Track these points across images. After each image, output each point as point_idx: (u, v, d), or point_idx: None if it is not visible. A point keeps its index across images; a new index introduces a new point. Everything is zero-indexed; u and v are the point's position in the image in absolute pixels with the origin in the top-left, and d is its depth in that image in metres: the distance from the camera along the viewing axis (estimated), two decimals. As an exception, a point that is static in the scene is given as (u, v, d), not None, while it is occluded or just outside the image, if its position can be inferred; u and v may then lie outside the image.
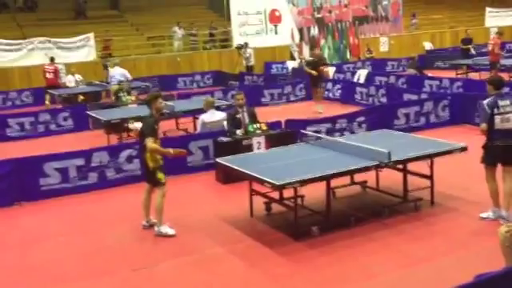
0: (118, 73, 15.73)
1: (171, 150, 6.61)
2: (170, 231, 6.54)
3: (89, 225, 7.20)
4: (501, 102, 6.22)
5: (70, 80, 18.37)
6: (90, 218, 7.50)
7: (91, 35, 21.27)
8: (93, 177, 8.63)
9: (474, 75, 17.50)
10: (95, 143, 10.04)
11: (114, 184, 8.71)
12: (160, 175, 6.53)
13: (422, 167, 6.96)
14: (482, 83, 14.46)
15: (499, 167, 6.38)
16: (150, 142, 6.36)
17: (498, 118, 6.18)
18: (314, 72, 14.08)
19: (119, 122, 11.35)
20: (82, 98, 16.06)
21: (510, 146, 6.22)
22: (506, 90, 12.60)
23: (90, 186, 8.59)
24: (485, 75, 17.26)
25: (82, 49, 21.11)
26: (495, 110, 6.19)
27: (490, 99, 6.29)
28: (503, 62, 16.63)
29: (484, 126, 6.27)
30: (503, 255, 4.56)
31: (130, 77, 15.63)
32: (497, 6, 29.42)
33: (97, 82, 17.72)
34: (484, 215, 6.41)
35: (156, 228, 6.59)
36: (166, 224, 6.59)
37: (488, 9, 28.53)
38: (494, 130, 6.22)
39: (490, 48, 16.61)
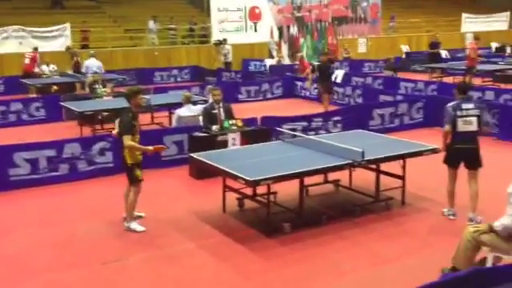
0: (93, 64, 15.56)
1: (150, 147, 6.54)
2: (139, 228, 6.47)
3: (59, 217, 7.09)
4: (464, 105, 6.42)
5: (43, 70, 18.08)
6: (61, 210, 7.38)
7: (67, 25, 20.94)
8: (64, 168, 8.50)
9: (448, 79, 17.76)
10: (68, 134, 9.91)
11: (85, 176, 8.59)
12: (138, 172, 6.45)
13: (395, 167, 7.04)
14: (455, 86, 14.72)
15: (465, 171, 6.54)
16: (128, 140, 6.27)
17: (460, 121, 6.38)
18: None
19: (93, 114, 11.22)
20: (55, 88, 15.80)
21: (470, 149, 6.44)
22: (477, 93, 12.97)
23: (60, 177, 8.45)
24: (459, 79, 17.59)
25: (58, 39, 20.78)
26: (458, 113, 6.38)
27: (454, 102, 6.50)
28: (479, 67, 16.91)
29: (447, 127, 6.46)
30: (460, 251, 4.70)
31: (103, 70, 15.51)
32: (473, 12, 29.90)
33: (70, 73, 17.45)
34: (444, 210, 6.72)
35: (126, 223, 6.52)
36: (136, 221, 6.53)
37: (464, 14, 29.00)
38: (456, 132, 6.42)
39: (467, 53, 16.78)
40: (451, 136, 6.49)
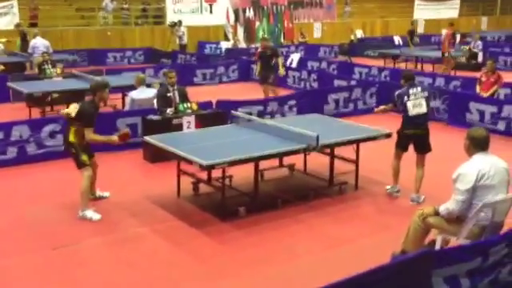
0: (40, 43, 15.01)
1: (114, 137, 6.38)
2: (95, 216, 6.23)
3: (7, 201, 6.85)
4: (411, 90, 6.71)
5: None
6: (9, 194, 7.13)
7: (15, 2, 20.12)
8: (12, 151, 8.22)
9: (401, 65, 18.11)
10: (15, 116, 9.55)
11: (34, 159, 8.33)
12: (84, 157, 6.25)
13: (349, 152, 7.14)
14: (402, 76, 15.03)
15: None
16: (91, 133, 6.14)
17: (410, 103, 6.64)
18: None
19: (42, 96, 10.85)
20: (1, 67, 15.17)
21: (420, 135, 6.72)
22: (428, 80, 13.26)
23: (8, 160, 8.17)
24: (410, 65, 17.96)
25: (5, 16, 19.94)
26: (405, 98, 6.66)
27: (401, 90, 6.80)
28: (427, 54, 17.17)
29: (391, 105, 7.03)
30: (410, 235, 4.84)
31: (51, 49, 15.02)
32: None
33: (18, 52, 16.80)
34: (387, 187, 7.04)
35: (80, 212, 6.27)
36: (91, 208, 6.32)
37: (416, 1, 29.55)
38: (408, 117, 6.69)
39: (442, 39, 16.84)
40: (402, 121, 6.75)
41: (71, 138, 6.21)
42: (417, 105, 6.64)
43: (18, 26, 18.19)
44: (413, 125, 6.67)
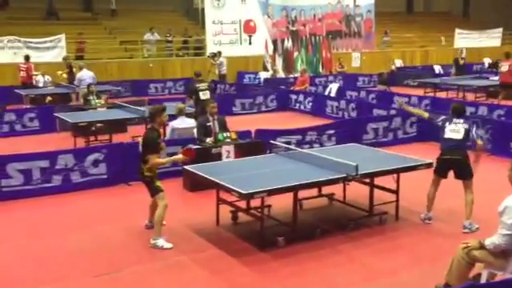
0: (87, 75, 15.54)
1: (180, 156, 6.55)
2: (167, 245, 6.28)
3: (50, 228, 7.03)
4: (455, 119, 6.89)
5: (39, 80, 18.03)
6: (52, 221, 7.32)
7: (62, 36, 20.94)
8: (57, 180, 8.45)
9: (441, 94, 17.87)
10: (61, 146, 9.86)
11: (78, 188, 8.54)
12: (158, 183, 6.41)
13: (388, 182, 7.04)
14: (448, 101, 14.83)
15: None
16: (155, 159, 6.31)
17: (448, 128, 6.83)
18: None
19: (87, 125, 11.19)
20: (49, 99, 15.75)
21: (456, 160, 6.73)
22: (471, 109, 13.00)
23: (53, 188, 8.40)
24: (451, 95, 17.70)
25: (53, 49, 20.77)
26: (447, 123, 6.86)
27: (448, 116, 7.00)
28: (472, 82, 16.82)
29: (426, 115, 7.55)
30: (454, 268, 4.70)
31: (95, 80, 15.54)
32: (466, 28, 30.19)
33: (65, 84, 17.43)
34: (421, 215, 7.07)
35: (152, 240, 6.33)
36: (163, 237, 6.35)
37: (458, 30, 29.27)
38: (443, 139, 6.83)
39: (504, 69, 16.23)
40: (440, 146, 6.89)
41: (144, 168, 6.34)
42: (454, 130, 6.77)
43: (65, 58, 18.89)
44: (448, 149, 6.74)
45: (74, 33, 22.28)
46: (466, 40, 29.24)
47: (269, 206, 6.87)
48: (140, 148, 6.48)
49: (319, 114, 15.34)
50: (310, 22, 23.38)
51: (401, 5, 34.89)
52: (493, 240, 4.52)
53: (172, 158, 6.67)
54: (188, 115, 10.57)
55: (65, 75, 17.94)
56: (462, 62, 21.45)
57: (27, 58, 17.77)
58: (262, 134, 9.76)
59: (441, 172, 6.84)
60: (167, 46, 24.45)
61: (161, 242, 6.29)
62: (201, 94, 12.15)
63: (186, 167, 7.12)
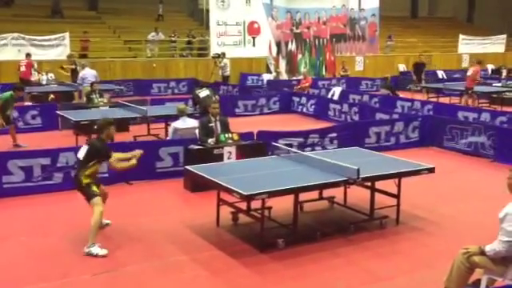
0: (90, 74, 15.56)
1: (134, 161, 6.50)
2: (102, 252, 6.04)
3: (51, 226, 7.03)
4: None
5: (42, 78, 18.07)
6: (53, 219, 7.32)
7: (67, 34, 21.00)
8: (58, 177, 8.46)
9: (444, 99, 17.86)
10: (63, 143, 9.86)
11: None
12: (94, 187, 6.24)
13: (390, 186, 7.03)
14: (451, 107, 14.83)
15: None
16: (115, 161, 6.34)
17: None
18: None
19: (89, 124, 11.18)
20: (52, 96, 15.79)
21: None
22: (473, 115, 13.02)
23: (54, 186, 8.41)
24: (454, 100, 17.70)
25: (57, 47, 20.82)
26: None
27: None
28: (475, 88, 17.03)
29: None
30: (454, 273, 4.66)
31: (98, 78, 15.56)
32: (470, 34, 30.18)
33: (68, 82, 17.46)
34: None
35: (86, 248, 6.05)
36: (97, 244, 6.10)
37: (461, 36, 29.26)
38: None
39: (469, 74, 16.92)
40: None
41: (81, 176, 6.23)
42: None
43: (70, 56, 18.92)
44: None
45: (78, 31, 22.35)
46: (469, 46, 29.24)
47: (269, 208, 6.86)
48: (81, 156, 6.32)
49: (322, 116, 15.34)
50: (315, 25, 23.41)
51: (405, 9, 34.91)
52: (493, 246, 4.51)
53: (128, 163, 6.55)
54: (189, 115, 10.58)
55: (65, 73, 17.95)
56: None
57: (28, 55, 17.82)
58: (264, 136, 9.75)
59: None
60: (171, 45, 24.48)
61: (95, 250, 6.04)
62: (200, 94, 12.28)
63: (187, 167, 7.12)
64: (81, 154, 6.35)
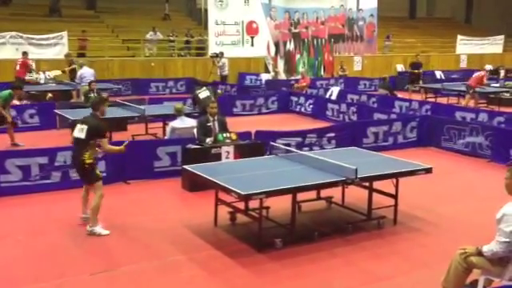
0: (88, 73, 15.54)
1: (122, 147, 6.76)
2: (104, 232, 6.52)
3: (48, 225, 7.02)
4: None
5: (40, 77, 18.02)
6: (51, 218, 7.31)
7: (65, 33, 20.95)
8: (56, 176, 8.45)
9: (442, 99, 17.88)
10: (61, 142, 9.85)
11: (77, 185, 8.48)
12: (97, 170, 6.58)
13: (388, 186, 7.04)
14: (449, 107, 14.84)
15: None
16: (108, 144, 6.53)
17: None
18: None
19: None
20: (50, 95, 15.75)
21: None
22: (471, 115, 13.04)
23: (52, 185, 8.40)
24: (452, 100, 17.72)
25: (55, 46, 20.77)
26: None
27: None
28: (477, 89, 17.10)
29: None
30: (451, 274, 4.67)
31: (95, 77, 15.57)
32: (468, 34, 30.20)
33: (66, 81, 17.43)
34: None
35: (89, 228, 6.54)
36: (100, 224, 6.56)
37: (459, 36, 29.28)
38: None
39: (475, 74, 17.04)
40: None
41: (85, 156, 6.41)
42: None
43: (67, 55, 18.89)
44: None
45: (76, 30, 22.30)
46: (467, 46, 29.26)
47: (267, 208, 6.86)
48: (83, 135, 6.47)
49: (320, 116, 15.35)
50: (313, 25, 23.37)
51: (403, 10, 34.92)
52: (490, 247, 4.52)
53: (119, 148, 6.79)
54: (188, 115, 10.57)
55: (60, 72, 17.90)
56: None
57: (24, 53, 17.78)
58: (262, 136, 9.76)
59: None
60: (169, 45, 24.46)
61: (98, 230, 6.48)
62: (201, 95, 12.28)
63: (185, 167, 7.12)
64: (81, 134, 6.43)
